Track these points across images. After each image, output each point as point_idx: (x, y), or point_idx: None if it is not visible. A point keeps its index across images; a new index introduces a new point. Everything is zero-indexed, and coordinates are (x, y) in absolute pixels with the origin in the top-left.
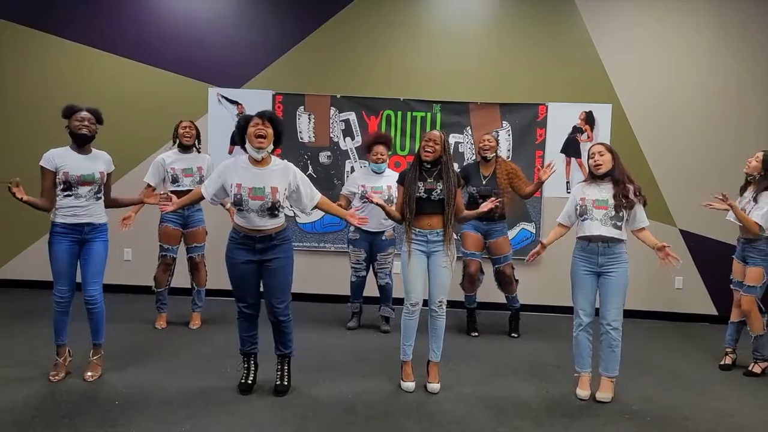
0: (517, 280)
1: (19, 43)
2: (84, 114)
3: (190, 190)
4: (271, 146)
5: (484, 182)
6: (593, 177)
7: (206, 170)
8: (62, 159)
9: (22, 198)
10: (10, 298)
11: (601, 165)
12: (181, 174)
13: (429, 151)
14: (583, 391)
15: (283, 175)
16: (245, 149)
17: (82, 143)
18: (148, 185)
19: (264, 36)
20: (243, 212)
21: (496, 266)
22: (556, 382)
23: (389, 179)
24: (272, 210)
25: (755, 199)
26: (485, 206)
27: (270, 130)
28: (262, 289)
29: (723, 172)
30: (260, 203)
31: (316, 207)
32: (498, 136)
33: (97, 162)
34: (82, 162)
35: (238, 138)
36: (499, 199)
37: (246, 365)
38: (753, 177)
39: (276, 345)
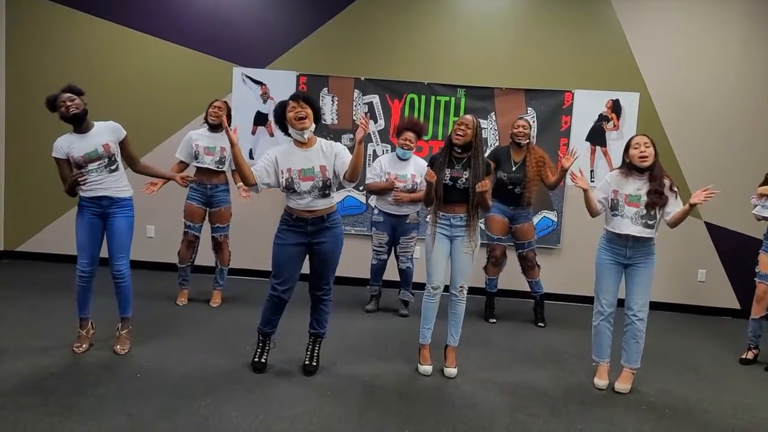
0: (539, 266)
1: (48, 20)
2: (64, 96)
3: (210, 169)
4: (314, 126)
5: (514, 169)
6: (631, 169)
7: (228, 151)
8: (68, 144)
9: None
10: (33, 271)
11: (647, 157)
12: (203, 152)
13: (460, 135)
14: (601, 381)
15: (327, 153)
16: (289, 135)
17: (79, 123)
18: (181, 161)
19: (289, 17)
20: (296, 194)
21: (520, 251)
22: (573, 370)
23: (414, 167)
24: (324, 189)
25: None
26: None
27: (309, 110)
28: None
29: (752, 165)
30: (311, 183)
31: (348, 175)
32: (531, 119)
33: (99, 137)
34: (82, 142)
35: (279, 126)
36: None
37: (261, 344)
38: None
39: (311, 323)
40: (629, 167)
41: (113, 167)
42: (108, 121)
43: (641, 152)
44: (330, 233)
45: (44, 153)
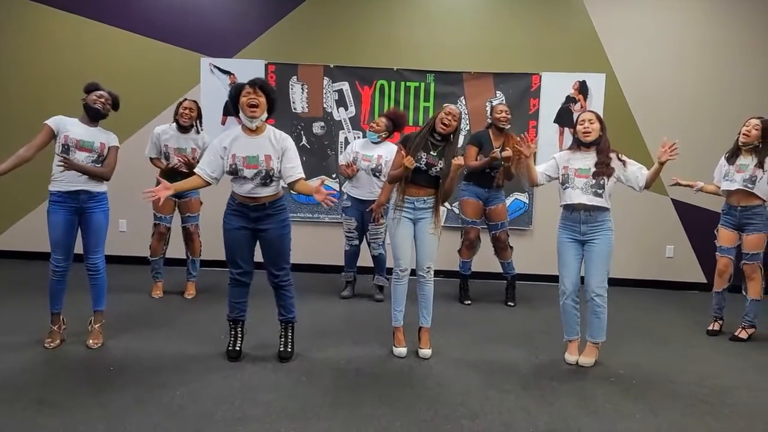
0: (511, 247)
1: (9, 14)
2: (104, 92)
3: (181, 171)
4: (265, 115)
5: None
6: (578, 145)
7: (200, 151)
8: (67, 125)
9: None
10: (2, 269)
11: (590, 133)
12: (173, 152)
13: (445, 125)
14: (571, 357)
15: (274, 144)
16: (239, 119)
17: (93, 117)
18: (154, 158)
19: (256, 4)
20: (239, 179)
21: (493, 232)
22: (545, 348)
23: (383, 150)
24: (266, 178)
25: (761, 166)
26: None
27: (262, 99)
28: (257, 259)
29: (716, 143)
30: (254, 171)
31: (290, 187)
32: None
33: (100, 134)
34: (85, 130)
35: (232, 108)
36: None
37: (233, 332)
38: (752, 145)
39: (278, 310)
40: (577, 143)
41: (97, 165)
42: (109, 131)
43: (585, 128)
44: (274, 219)
45: (10, 151)
